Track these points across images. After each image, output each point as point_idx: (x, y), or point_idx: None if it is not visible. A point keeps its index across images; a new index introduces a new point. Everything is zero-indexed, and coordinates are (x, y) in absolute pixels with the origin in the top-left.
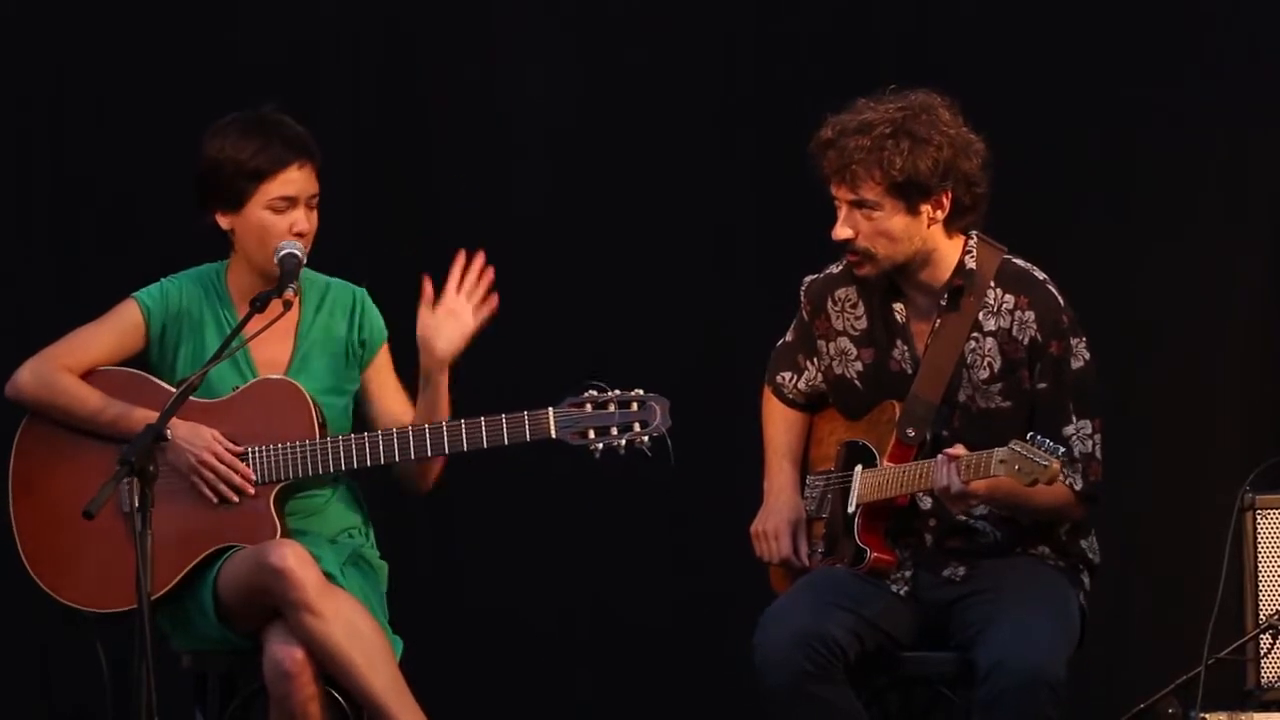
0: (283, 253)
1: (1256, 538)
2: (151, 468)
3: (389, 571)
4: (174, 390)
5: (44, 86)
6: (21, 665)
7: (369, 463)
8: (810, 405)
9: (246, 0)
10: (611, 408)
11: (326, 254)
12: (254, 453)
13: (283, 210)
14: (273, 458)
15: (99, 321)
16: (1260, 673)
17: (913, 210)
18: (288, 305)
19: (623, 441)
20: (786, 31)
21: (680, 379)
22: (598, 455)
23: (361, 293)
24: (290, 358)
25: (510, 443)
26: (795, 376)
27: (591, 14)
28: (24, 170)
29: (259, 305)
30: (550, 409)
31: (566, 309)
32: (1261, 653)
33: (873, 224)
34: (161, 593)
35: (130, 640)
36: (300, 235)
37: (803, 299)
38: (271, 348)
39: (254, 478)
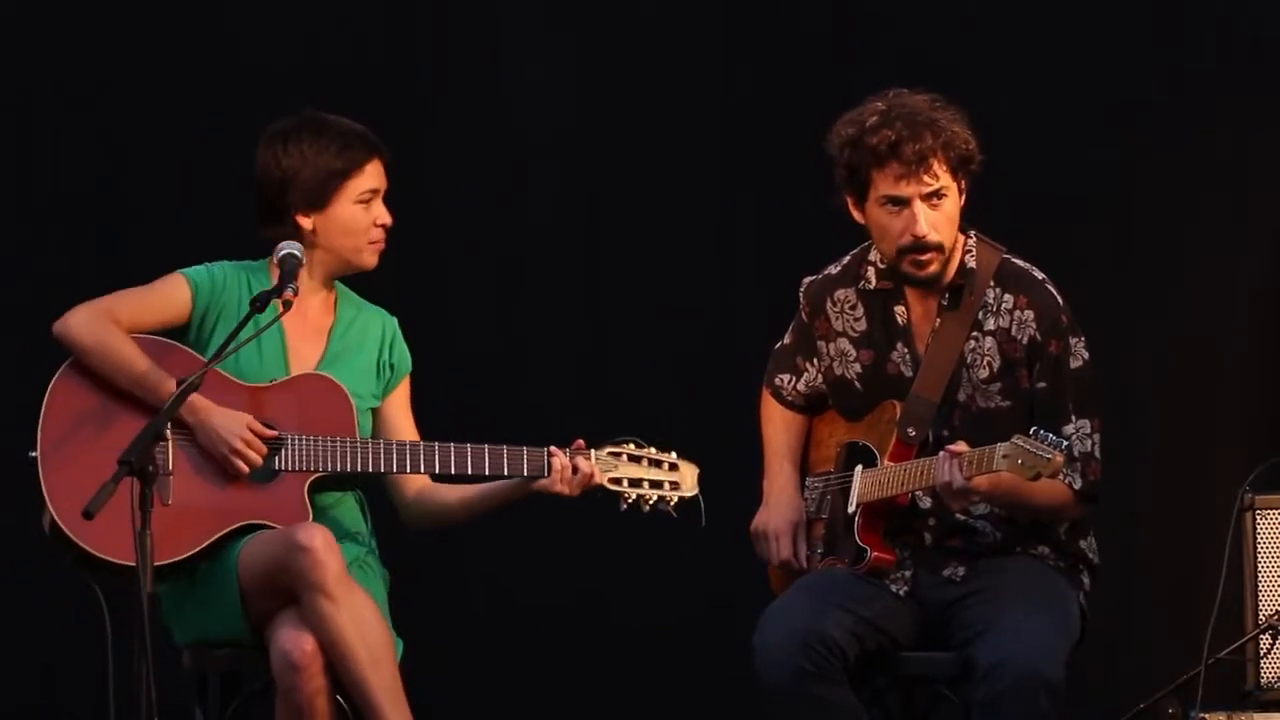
0: (282, 253)
1: (1256, 538)
2: (151, 467)
3: (392, 581)
4: (218, 370)
5: (44, 86)
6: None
7: (407, 469)
8: (809, 407)
9: (246, 3)
10: (646, 463)
11: None
12: (292, 441)
13: (368, 202)
14: (311, 448)
15: (148, 288)
16: (1260, 673)
17: (961, 190)
18: (287, 305)
19: (653, 496)
20: (786, 31)
21: (680, 380)
22: (625, 506)
23: (394, 321)
24: (320, 357)
25: (545, 475)
26: (794, 378)
27: (591, 14)
28: (24, 170)
29: (259, 305)
30: (592, 450)
31: (567, 309)
32: (1261, 653)
33: (941, 213)
34: (186, 555)
35: (119, 631)
36: (384, 226)
37: (802, 300)
38: (305, 346)
39: (258, 461)
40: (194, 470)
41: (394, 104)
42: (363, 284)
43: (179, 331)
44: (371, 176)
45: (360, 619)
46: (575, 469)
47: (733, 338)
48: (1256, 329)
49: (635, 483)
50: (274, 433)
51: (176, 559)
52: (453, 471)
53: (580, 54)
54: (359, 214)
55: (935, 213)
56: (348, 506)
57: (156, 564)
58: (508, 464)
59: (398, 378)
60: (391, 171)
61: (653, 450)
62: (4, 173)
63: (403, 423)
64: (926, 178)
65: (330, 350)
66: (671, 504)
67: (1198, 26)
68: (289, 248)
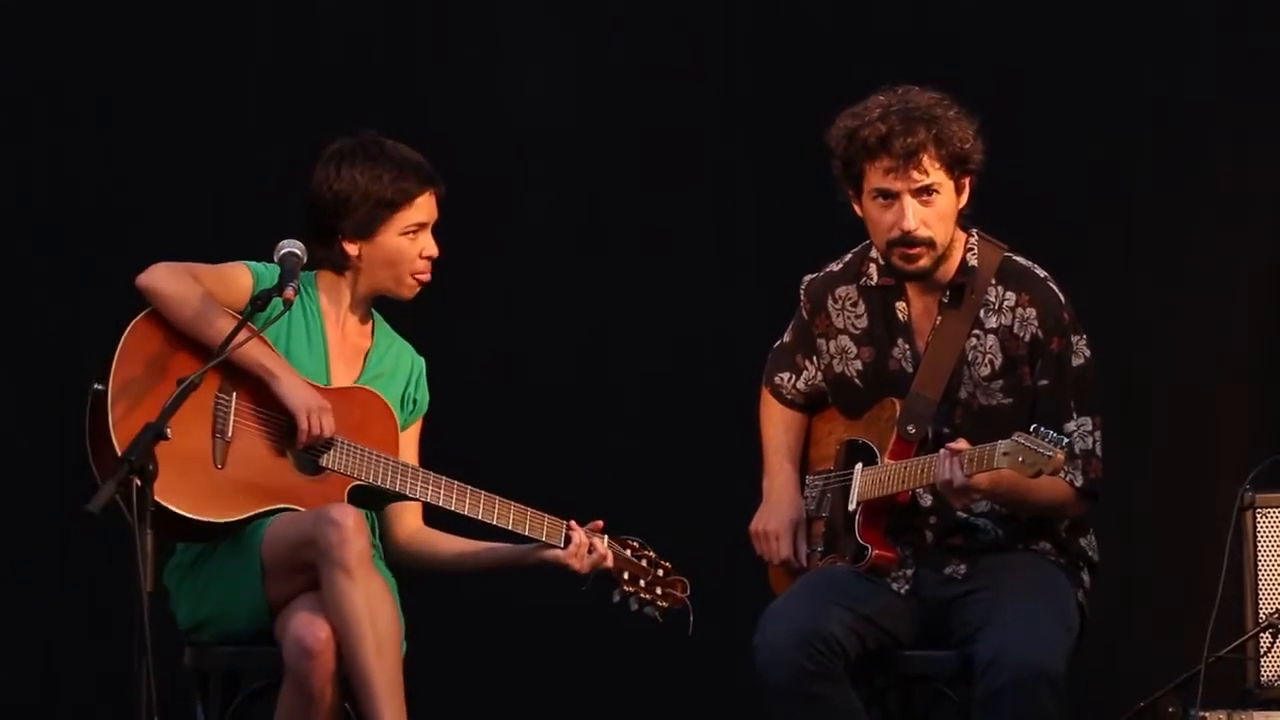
0: (283, 251)
1: (1256, 536)
2: (152, 466)
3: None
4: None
5: (44, 86)
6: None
7: (439, 502)
8: (809, 405)
9: (245, 1)
10: (645, 564)
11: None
12: (341, 444)
13: (415, 235)
14: (358, 456)
15: (220, 266)
16: (1260, 671)
17: (958, 188)
18: (287, 304)
19: (646, 597)
20: (787, 31)
21: (680, 378)
22: (617, 597)
23: (421, 361)
24: (357, 378)
25: (545, 540)
26: (794, 377)
27: (591, 14)
28: (24, 170)
29: (260, 303)
30: (608, 535)
31: (567, 308)
32: (1261, 651)
33: (933, 208)
34: (223, 520)
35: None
36: (430, 259)
37: (802, 297)
38: (342, 363)
39: (329, 437)
40: (252, 442)
41: (394, 104)
42: None
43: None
44: (421, 210)
45: (375, 604)
46: (591, 548)
47: (732, 336)
48: (1256, 327)
49: (633, 580)
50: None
51: (217, 520)
52: (479, 517)
53: (580, 54)
54: (405, 246)
55: (926, 208)
56: None
57: (196, 516)
58: (530, 525)
59: (415, 415)
60: (444, 202)
61: (651, 553)
62: (4, 173)
63: (409, 459)
64: (915, 173)
65: (366, 373)
66: (658, 612)
67: (1198, 26)
68: (289, 246)
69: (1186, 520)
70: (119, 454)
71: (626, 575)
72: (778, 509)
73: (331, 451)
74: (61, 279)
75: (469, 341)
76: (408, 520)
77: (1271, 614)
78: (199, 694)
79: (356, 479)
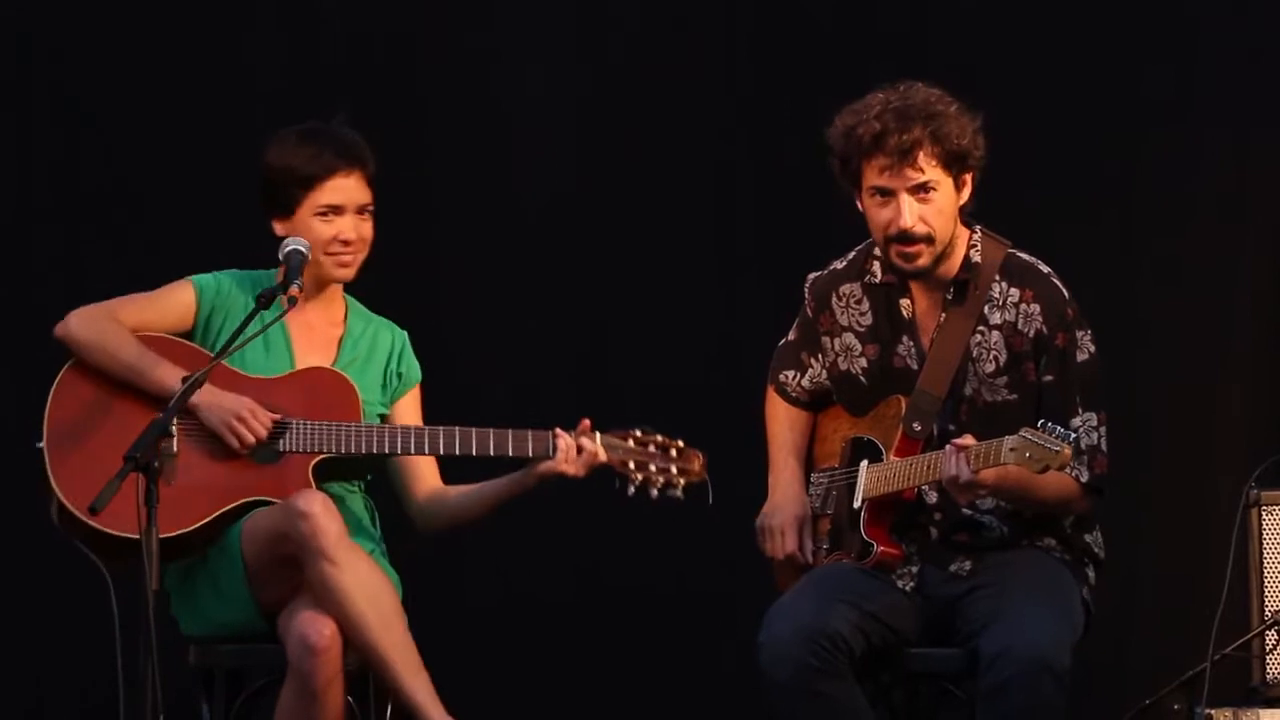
0: (288, 249)
1: (1262, 534)
2: (157, 463)
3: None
4: (227, 365)
5: (44, 86)
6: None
7: (412, 450)
8: (814, 403)
9: (246, 3)
10: (653, 448)
11: None
12: (296, 425)
13: (330, 218)
14: (316, 432)
15: (155, 292)
16: (1266, 669)
17: (957, 185)
18: (292, 301)
19: (660, 481)
20: (787, 31)
21: (685, 377)
22: (632, 489)
23: (404, 334)
24: (332, 364)
25: (533, 456)
26: (798, 375)
27: (591, 14)
28: (24, 171)
29: (264, 301)
30: (598, 432)
31: (569, 309)
32: (1267, 649)
33: (930, 205)
34: (189, 528)
35: (125, 627)
36: (347, 244)
37: (807, 295)
38: (315, 354)
39: (264, 436)
40: (199, 453)
41: (394, 104)
42: (364, 284)
43: (188, 335)
44: (335, 192)
45: (364, 581)
46: (580, 449)
47: (737, 335)
48: (1261, 324)
49: (642, 467)
50: (278, 416)
51: (179, 532)
52: (457, 452)
53: (580, 54)
54: (319, 227)
55: (923, 205)
56: (356, 509)
57: (161, 536)
58: (513, 445)
59: (405, 387)
60: (378, 185)
61: (659, 437)
62: (4, 175)
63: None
64: (911, 170)
65: (339, 362)
66: (679, 489)
67: (1198, 26)
68: (295, 244)
69: (1192, 517)
70: (68, 510)
71: (633, 465)
72: (783, 506)
73: (287, 435)
74: (62, 279)
75: (467, 340)
76: (423, 484)
77: (1277, 611)
78: (204, 692)
79: (318, 453)
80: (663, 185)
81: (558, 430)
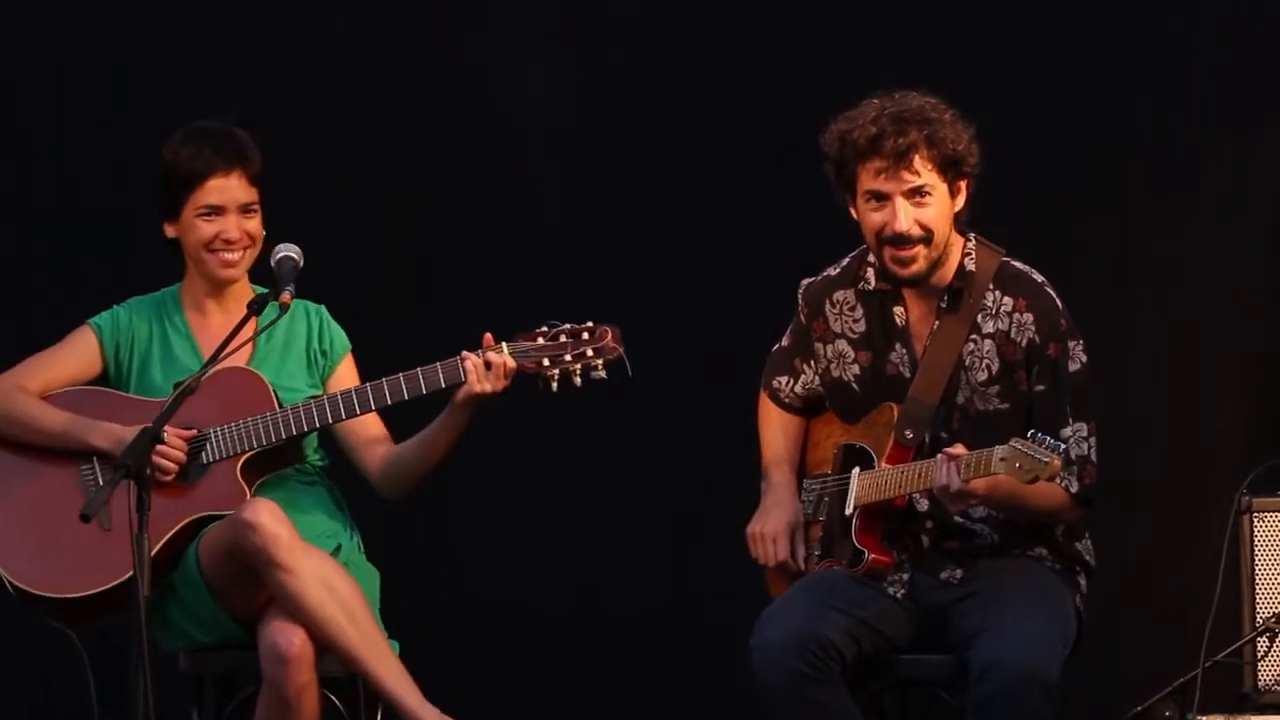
0: (279, 255)
1: (1254, 540)
2: (149, 470)
3: (382, 579)
4: (131, 396)
5: (44, 86)
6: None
7: (329, 420)
8: (806, 409)
9: (247, 3)
10: (563, 339)
11: (328, 254)
12: (215, 433)
13: (211, 218)
14: (234, 434)
15: (54, 347)
16: (1257, 675)
17: (952, 191)
18: (284, 308)
19: (578, 368)
20: (787, 32)
21: (679, 381)
22: (555, 385)
23: (321, 308)
24: (247, 362)
25: (447, 385)
26: (791, 381)
27: (592, 14)
28: (24, 171)
29: (256, 307)
30: (504, 343)
31: (566, 309)
32: (1259, 655)
33: (926, 210)
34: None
35: (115, 635)
36: (229, 243)
37: (800, 301)
38: (229, 358)
39: (183, 458)
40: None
41: (394, 104)
42: (363, 284)
43: (101, 376)
44: (214, 192)
45: (323, 581)
46: (489, 364)
47: (731, 339)
48: (1254, 331)
49: (557, 360)
50: (192, 431)
51: (128, 576)
52: (374, 407)
53: (580, 54)
54: (201, 226)
55: (918, 210)
56: (319, 499)
57: (109, 585)
58: (424, 383)
59: (334, 361)
60: (262, 183)
61: (567, 325)
62: (4, 175)
63: None
64: (906, 174)
65: (256, 358)
66: (600, 369)
67: (1198, 25)
68: (286, 250)
69: (1184, 524)
70: (19, 588)
71: (547, 361)
72: (775, 512)
73: (208, 446)
74: (61, 279)
75: (467, 340)
76: (375, 452)
77: (1269, 618)
78: (194, 698)
79: (241, 453)
80: (661, 186)
81: (464, 353)
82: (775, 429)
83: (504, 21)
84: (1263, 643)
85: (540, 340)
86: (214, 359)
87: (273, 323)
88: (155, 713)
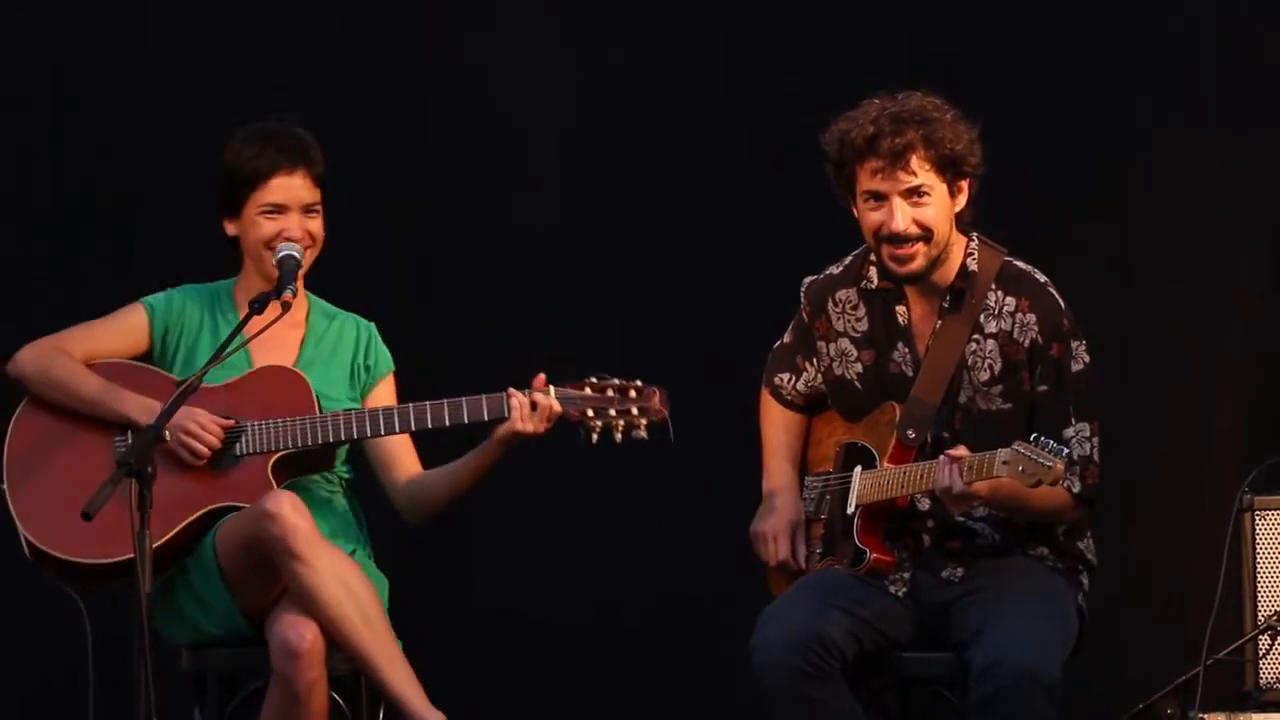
0: (281, 254)
1: (1255, 539)
2: (150, 468)
3: (391, 588)
4: (173, 378)
5: (44, 86)
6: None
7: (368, 433)
8: (808, 407)
9: (247, 3)
10: (610, 393)
11: (328, 255)
12: (252, 427)
13: (273, 216)
14: (271, 431)
15: (106, 318)
16: (1259, 673)
17: (952, 191)
18: (286, 306)
19: (621, 424)
20: (787, 32)
21: (680, 380)
22: (595, 437)
23: (370, 326)
24: (293, 364)
25: (489, 419)
26: (793, 378)
27: (592, 14)
28: (24, 171)
29: (257, 307)
30: (551, 386)
31: (567, 310)
32: (1260, 654)
33: (924, 210)
34: (158, 543)
35: (117, 630)
36: (291, 240)
37: (803, 300)
38: (274, 356)
39: (218, 444)
40: (159, 469)
41: (394, 104)
42: (364, 284)
43: (145, 356)
44: (277, 190)
45: (340, 578)
46: (534, 405)
47: (733, 338)
48: (1255, 330)
49: (601, 413)
50: (230, 421)
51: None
52: (413, 428)
53: (580, 54)
54: (263, 224)
55: (916, 209)
56: (338, 509)
57: (128, 557)
58: (468, 412)
59: (375, 378)
60: (325, 184)
61: (615, 380)
62: (4, 175)
63: None
64: (904, 174)
65: (301, 361)
66: (641, 429)
67: (1198, 25)
68: (288, 249)
69: (1185, 522)
70: (36, 547)
71: (591, 413)
72: (777, 511)
73: (243, 438)
74: (61, 279)
75: (467, 341)
76: (402, 472)
77: (1270, 616)
78: (197, 696)
79: (275, 451)
80: (661, 186)
81: (510, 390)
82: (777, 426)
83: (504, 21)
84: (1264, 641)
85: (588, 390)
86: (214, 359)
87: (273, 322)
88: (157, 711)
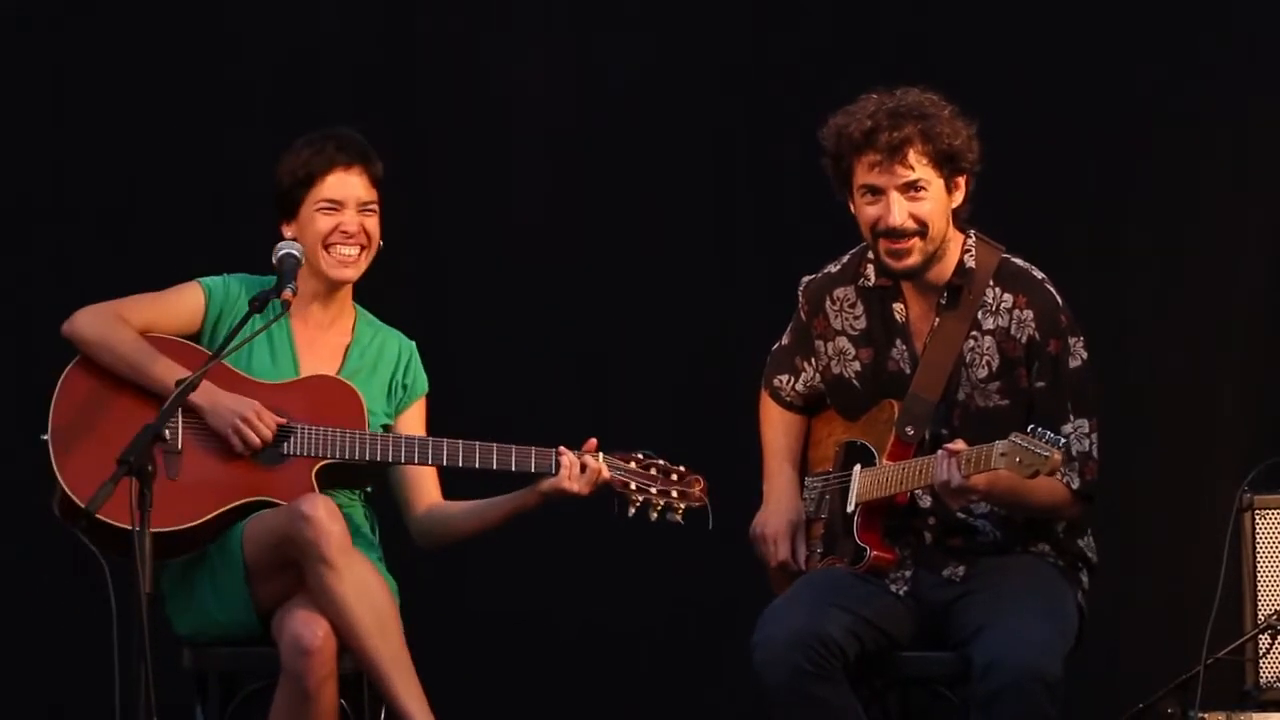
0: (281, 253)
1: (1255, 538)
2: (150, 467)
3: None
4: (224, 364)
5: (44, 86)
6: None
7: (415, 460)
8: (808, 407)
9: (246, 3)
10: (654, 472)
11: None
12: (301, 430)
13: (330, 212)
14: (320, 437)
15: (164, 292)
16: (1259, 673)
17: (949, 186)
18: (285, 305)
19: (660, 504)
20: (787, 33)
21: (679, 380)
22: (632, 511)
23: (412, 345)
24: (337, 372)
25: (536, 471)
26: (792, 379)
27: (592, 14)
28: (24, 171)
29: (258, 305)
30: (601, 453)
31: (566, 311)
32: (1260, 653)
33: (920, 205)
34: (189, 524)
35: (119, 627)
36: (347, 235)
37: (800, 299)
38: (319, 361)
39: (270, 438)
40: (203, 450)
41: (394, 104)
42: (362, 285)
43: (195, 337)
44: (334, 187)
45: (364, 588)
46: (584, 467)
47: (732, 339)
48: (1255, 329)
49: (643, 489)
50: (282, 420)
51: (181, 527)
52: (460, 465)
53: (580, 54)
54: (319, 220)
55: (912, 204)
56: (356, 519)
57: (159, 529)
58: (516, 460)
59: (411, 398)
60: (383, 184)
61: (661, 461)
62: (5, 172)
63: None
64: (901, 168)
65: (345, 370)
66: (679, 514)
67: (1196, 25)
68: (287, 247)
69: (1185, 521)
70: (70, 500)
71: (634, 486)
72: (777, 511)
73: (292, 438)
74: (61, 279)
75: (466, 341)
76: (424, 497)
77: (1270, 615)
78: (198, 695)
79: (322, 458)
80: (661, 188)
81: (562, 448)
82: (776, 427)
83: (504, 21)
84: (1264, 640)
85: (634, 465)
86: (214, 358)
87: (273, 321)
88: (159, 708)
